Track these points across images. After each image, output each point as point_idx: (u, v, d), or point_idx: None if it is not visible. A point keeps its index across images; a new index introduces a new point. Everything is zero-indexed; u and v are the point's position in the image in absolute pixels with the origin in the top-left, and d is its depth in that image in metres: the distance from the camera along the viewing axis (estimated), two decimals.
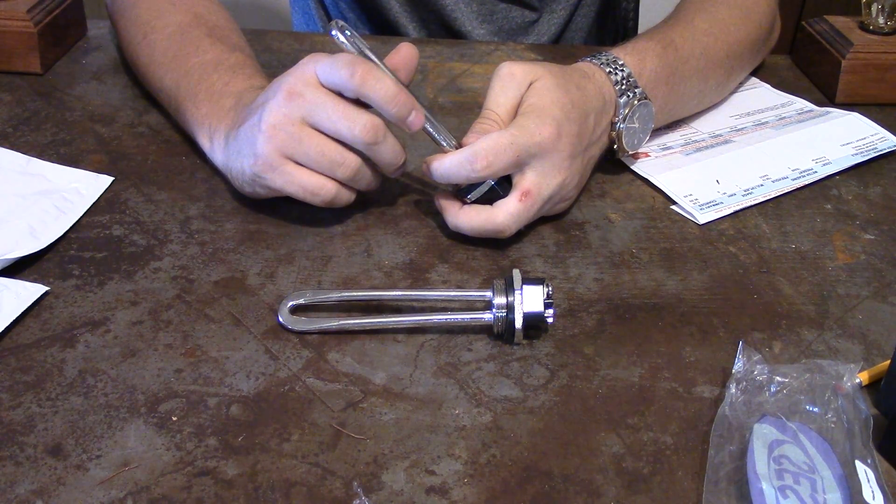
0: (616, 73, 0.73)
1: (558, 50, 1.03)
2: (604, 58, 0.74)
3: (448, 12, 1.06)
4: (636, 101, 0.73)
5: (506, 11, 1.07)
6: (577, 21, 1.13)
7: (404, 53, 0.67)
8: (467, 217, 0.67)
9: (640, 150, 0.79)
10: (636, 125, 0.74)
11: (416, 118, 0.65)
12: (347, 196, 0.67)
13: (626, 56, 0.74)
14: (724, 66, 0.83)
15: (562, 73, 0.70)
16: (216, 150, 0.71)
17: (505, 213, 0.66)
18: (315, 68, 0.64)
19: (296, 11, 1.20)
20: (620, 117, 0.72)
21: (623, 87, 0.72)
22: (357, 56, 0.64)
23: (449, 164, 0.65)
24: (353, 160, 0.65)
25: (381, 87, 0.62)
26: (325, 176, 0.65)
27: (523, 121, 0.66)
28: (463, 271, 0.66)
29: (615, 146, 0.74)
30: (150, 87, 0.82)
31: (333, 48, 0.65)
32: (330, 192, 0.65)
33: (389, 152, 0.65)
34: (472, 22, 1.07)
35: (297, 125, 0.63)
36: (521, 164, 0.66)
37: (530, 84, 0.68)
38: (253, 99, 0.68)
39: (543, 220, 0.71)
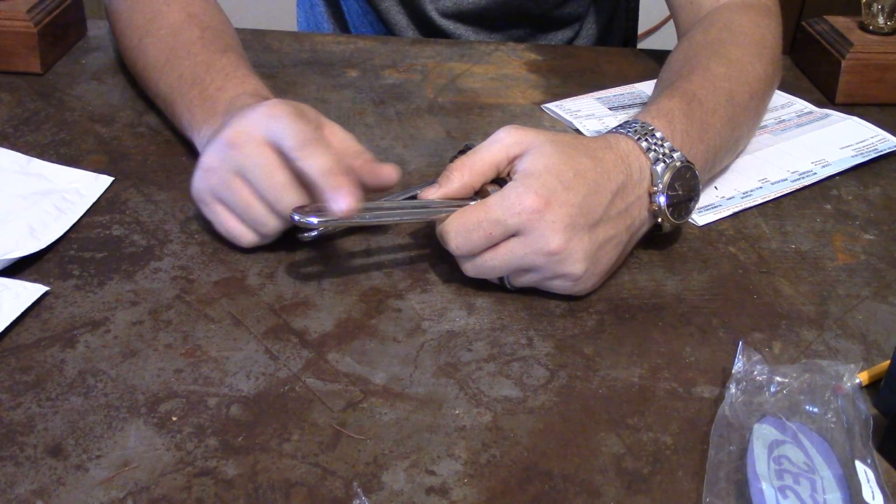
0: (646, 140, 0.65)
1: (559, 50, 1.03)
2: (630, 126, 0.66)
3: (451, 32, 1.06)
4: (677, 165, 0.64)
5: (508, 27, 1.08)
6: (585, 31, 1.13)
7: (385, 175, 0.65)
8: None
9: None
10: (679, 192, 0.65)
11: (344, 203, 0.59)
12: (269, 240, 0.66)
13: (654, 120, 0.67)
14: (751, 108, 0.77)
15: (569, 140, 0.63)
16: None
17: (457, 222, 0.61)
18: (266, 126, 0.62)
19: (301, 8, 1.21)
20: (659, 187, 0.64)
21: (657, 153, 0.64)
22: (313, 127, 0.62)
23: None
24: (274, 226, 0.64)
25: (318, 161, 0.60)
26: (248, 227, 0.65)
27: (506, 190, 0.60)
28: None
29: (659, 219, 0.65)
30: (149, 91, 0.82)
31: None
32: (249, 243, 0.65)
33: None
34: (473, 37, 1.07)
35: (230, 174, 0.62)
36: (506, 236, 0.60)
37: (525, 151, 0.61)
38: (244, 105, 0.66)
39: None
